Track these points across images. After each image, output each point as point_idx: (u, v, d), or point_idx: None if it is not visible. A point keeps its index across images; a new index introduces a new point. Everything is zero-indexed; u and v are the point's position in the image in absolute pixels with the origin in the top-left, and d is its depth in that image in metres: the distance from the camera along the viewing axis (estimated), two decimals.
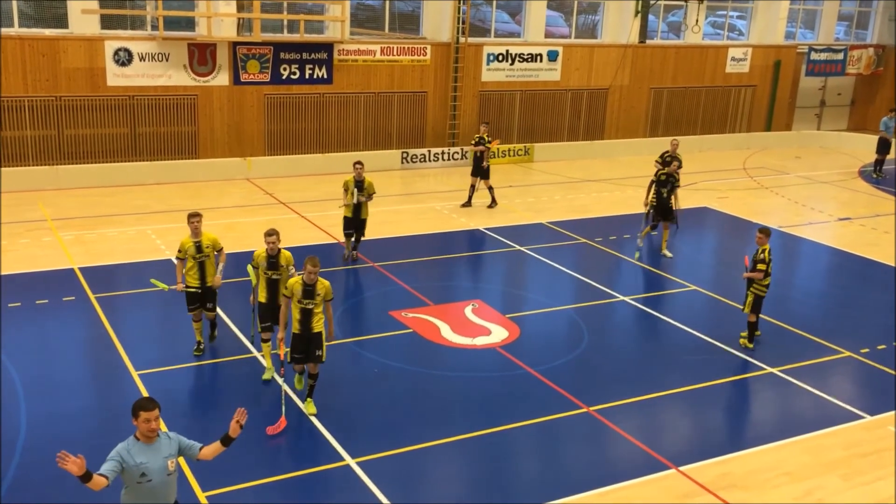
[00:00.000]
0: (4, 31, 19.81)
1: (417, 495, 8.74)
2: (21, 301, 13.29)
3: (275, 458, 9.26)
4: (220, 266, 11.30)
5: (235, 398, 10.60)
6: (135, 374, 11.00)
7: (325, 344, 9.90)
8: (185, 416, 10.20)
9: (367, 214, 15.57)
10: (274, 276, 10.68)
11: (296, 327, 9.79)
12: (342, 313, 13.33)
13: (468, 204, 20.22)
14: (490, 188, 20.19)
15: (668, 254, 16.99)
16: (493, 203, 20.23)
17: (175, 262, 11.32)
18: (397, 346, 12.28)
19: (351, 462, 9.17)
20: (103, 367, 11.38)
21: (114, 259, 15.52)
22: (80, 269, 14.81)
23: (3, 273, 14.50)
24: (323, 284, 9.76)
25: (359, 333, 12.73)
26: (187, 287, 11.20)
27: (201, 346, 11.68)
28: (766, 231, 12.32)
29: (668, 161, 18.02)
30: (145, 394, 10.31)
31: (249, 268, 10.94)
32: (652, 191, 17.28)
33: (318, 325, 9.82)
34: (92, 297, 13.56)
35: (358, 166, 15.26)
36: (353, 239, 15.63)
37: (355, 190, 15.23)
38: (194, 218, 11.05)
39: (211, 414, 10.29)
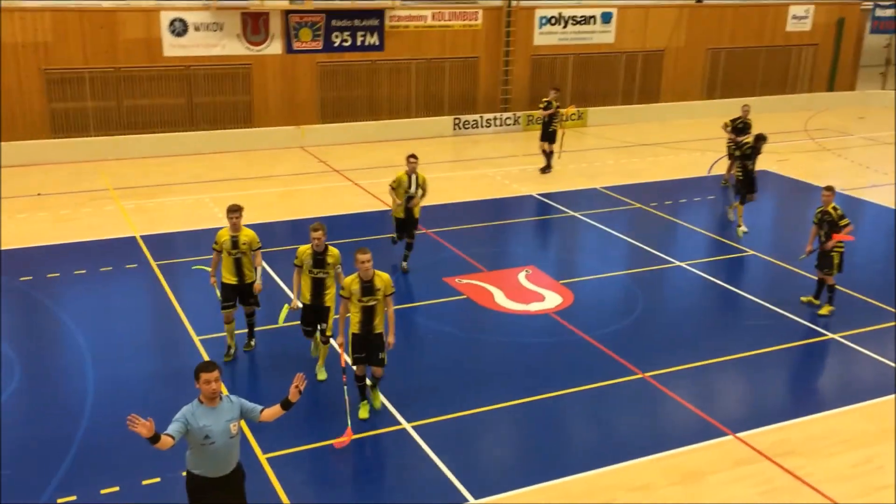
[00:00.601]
0: (64, 3, 20.19)
1: (472, 459, 8.84)
2: (86, 268, 13.68)
3: (332, 423, 9.43)
4: (259, 270, 10.45)
5: (293, 362, 10.80)
6: (196, 339, 11.28)
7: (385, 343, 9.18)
8: (244, 380, 10.45)
9: (419, 214, 13.90)
10: (320, 275, 9.89)
11: (356, 328, 9.05)
12: (396, 280, 13.44)
13: (547, 169, 20.08)
14: (550, 153, 20.00)
15: (745, 229, 15.87)
16: (548, 168, 20.06)
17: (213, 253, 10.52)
18: (451, 313, 12.35)
19: (407, 426, 9.30)
20: (165, 332, 11.70)
21: (173, 227, 15.86)
22: (142, 236, 15.17)
23: (68, 241, 14.95)
24: (381, 279, 8.95)
25: (413, 300, 12.83)
26: (223, 283, 10.47)
27: (232, 351, 10.73)
28: (831, 189, 12.38)
29: (741, 128, 17.32)
30: (206, 358, 10.57)
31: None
32: (736, 164, 16.48)
33: (381, 324, 9.07)
34: (153, 264, 13.90)
35: (412, 160, 13.47)
36: (403, 246, 13.97)
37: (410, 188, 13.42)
38: (233, 214, 10.20)
39: (270, 377, 10.52)
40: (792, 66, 29.69)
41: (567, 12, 25.49)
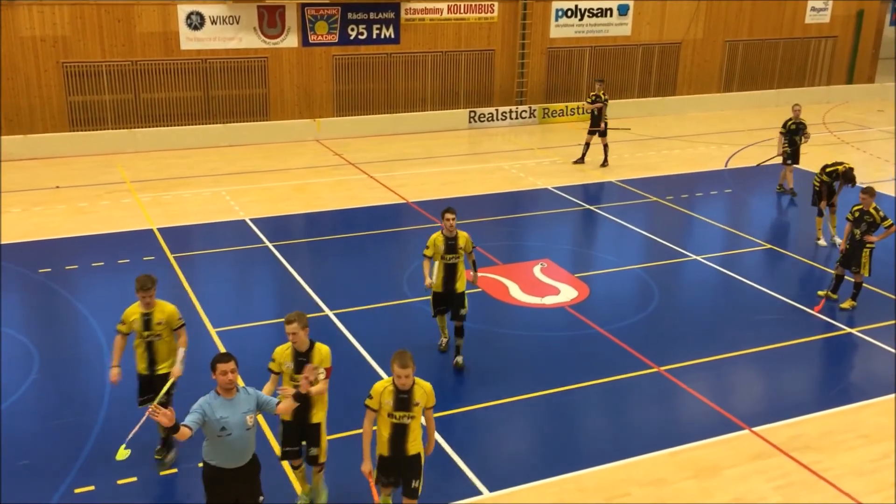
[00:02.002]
0: None
1: (487, 452, 8.86)
2: (104, 261, 13.78)
3: (349, 414, 9.45)
4: (181, 352, 8.26)
5: None
6: (212, 331, 11.34)
7: (422, 466, 7.29)
8: (260, 373, 10.48)
9: (465, 284, 10.38)
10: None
11: (384, 449, 7.14)
12: (412, 272, 13.45)
13: (581, 161, 20.14)
14: (605, 146, 19.97)
15: (837, 240, 14.44)
16: (605, 163, 20.01)
17: (117, 335, 8.36)
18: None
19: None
20: None
21: (190, 220, 15.93)
22: (159, 229, 15.26)
23: (86, 233, 15.06)
24: (423, 389, 7.10)
25: (428, 293, 12.82)
26: (139, 374, 8.40)
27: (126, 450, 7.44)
28: (870, 190, 12.16)
29: (795, 129, 16.89)
30: (222, 350, 10.62)
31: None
32: (817, 181, 14.89)
33: (415, 444, 7.15)
34: (170, 256, 13.98)
35: (449, 217, 10.10)
36: (448, 318, 10.65)
37: (446, 255, 10.21)
38: (144, 292, 8.05)
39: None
40: (811, 59, 29.45)
41: (583, 4, 25.37)
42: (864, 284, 12.44)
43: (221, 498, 6.60)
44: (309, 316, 11.75)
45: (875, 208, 12.11)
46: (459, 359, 10.49)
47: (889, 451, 8.92)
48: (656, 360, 10.69)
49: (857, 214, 12.22)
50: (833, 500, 8.14)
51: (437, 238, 10.21)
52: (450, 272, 10.24)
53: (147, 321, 8.18)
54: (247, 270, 13.79)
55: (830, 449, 8.93)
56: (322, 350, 7.61)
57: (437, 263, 10.30)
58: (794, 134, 17.28)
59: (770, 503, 8.07)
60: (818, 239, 15.07)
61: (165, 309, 8.25)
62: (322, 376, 7.38)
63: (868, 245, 12.14)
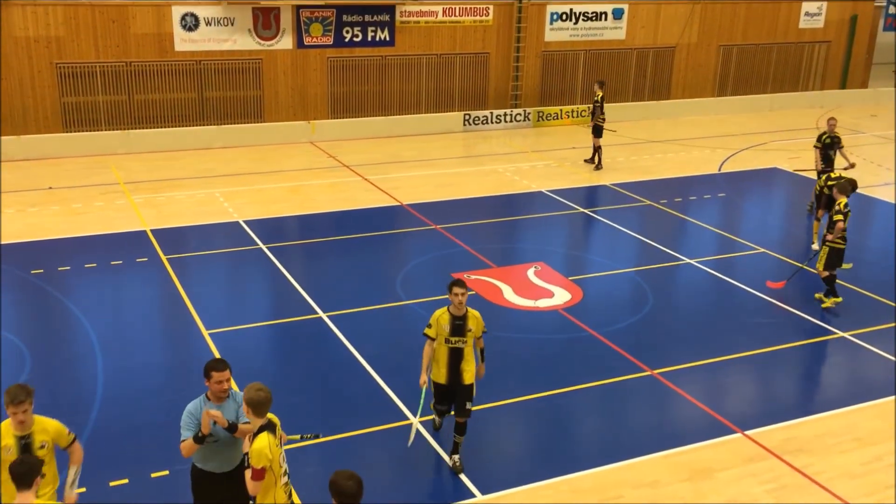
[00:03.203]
0: None
1: (480, 454, 8.83)
2: (97, 262, 13.74)
3: (341, 417, 9.44)
4: (74, 473, 6.59)
5: (302, 357, 10.84)
6: (205, 333, 11.31)
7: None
8: (253, 376, 10.46)
9: (474, 373, 8.56)
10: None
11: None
12: (405, 274, 13.44)
13: (591, 161, 20.41)
14: (597, 148, 20.19)
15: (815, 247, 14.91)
16: (593, 161, 20.31)
17: None
18: None
19: (414, 421, 9.29)
20: (175, 326, 11.73)
21: (183, 221, 15.89)
22: (152, 230, 15.22)
23: (79, 234, 15.02)
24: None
25: (422, 295, 12.82)
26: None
27: None
28: (841, 186, 12.43)
29: (830, 143, 16.22)
30: (215, 352, 10.61)
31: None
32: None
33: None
34: (163, 258, 13.94)
35: (458, 292, 8.26)
36: (448, 414, 8.83)
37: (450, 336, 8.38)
38: (15, 406, 6.13)
39: (279, 372, 10.54)
40: (804, 63, 29.54)
41: (578, 8, 25.42)
42: (852, 287, 12.48)
43: (209, 501, 6.57)
44: (302, 318, 11.81)
45: (839, 202, 12.34)
46: (457, 458, 8.50)
47: (881, 454, 8.94)
48: (650, 364, 10.70)
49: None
50: (825, 502, 8.15)
51: (441, 316, 8.31)
52: (455, 359, 8.29)
53: (26, 445, 6.21)
54: (240, 272, 13.77)
55: (823, 452, 8.95)
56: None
57: (440, 347, 8.32)
58: (829, 148, 16.51)
59: None
60: (813, 243, 15.11)
61: (48, 427, 6.35)
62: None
63: (827, 242, 12.33)
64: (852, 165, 16.31)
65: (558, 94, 25.98)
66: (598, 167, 20.12)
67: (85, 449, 8.46)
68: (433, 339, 8.32)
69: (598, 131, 19.99)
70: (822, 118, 27.09)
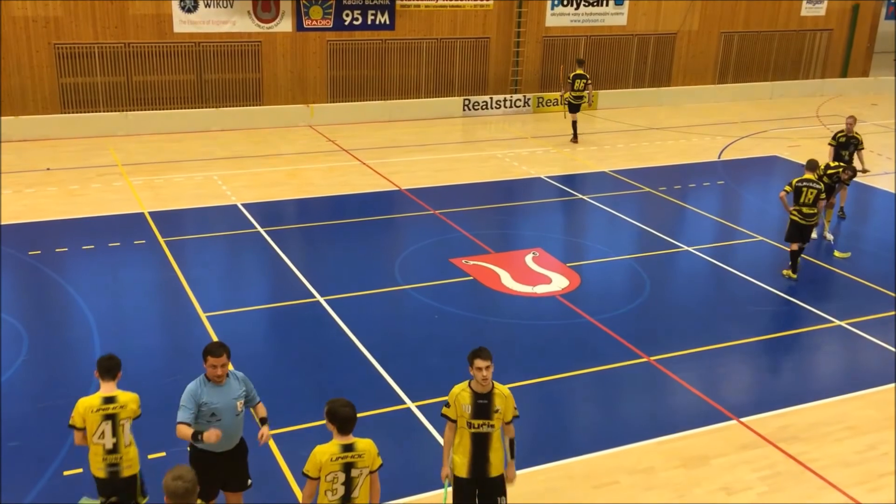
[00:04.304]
0: None
1: None
2: (94, 244, 13.73)
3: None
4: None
5: (300, 340, 10.85)
6: (203, 316, 11.31)
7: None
8: (251, 359, 10.48)
9: (504, 465, 6.85)
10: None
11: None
12: (403, 259, 13.44)
13: (576, 140, 21.21)
14: (573, 122, 21.12)
15: (829, 236, 15.04)
16: (576, 140, 21.10)
17: None
18: (457, 294, 12.35)
19: (411, 405, 9.34)
20: (173, 309, 11.73)
21: (181, 204, 15.87)
22: (150, 213, 15.20)
23: (76, 216, 15.00)
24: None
25: (419, 280, 12.83)
26: None
27: None
28: (808, 163, 13.17)
29: (844, 143, 15.64)
30: (213, 335, 10.62)
31: None
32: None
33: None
34: (161, 240, 13.93)
35: (481, 366, 6.46)
36: None
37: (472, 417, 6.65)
38: None
39: (276, 355, 10.56)
40: (805, 51, 29.46)
41: None
42: (848, 275, 12.51)
43: (209, 481, 6.60)
44: (299, 302, 11.82)
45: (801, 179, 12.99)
46: None
47: (875, 442, 8.98)
48: (646, 350, 10.72)
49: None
50: (819, 490, 8.19)
51: (460, 393, 6.59)
52: (479, 446, 6.61)
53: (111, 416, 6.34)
54: (238, 255, 13.76)
55: (817, 440, 8.99)
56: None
57: (461, 432, 6.65)
58: (842, 147, 15.75)
59: (757, 492, 8.12)
60: (825, 233, 15.05)
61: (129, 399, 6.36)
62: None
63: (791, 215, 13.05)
64: (865, 171, 15.97)
65: (558, 81, 25.86)
66: (574, 140, 20.97)
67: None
68: (454, 422, 6.64)
69: (571, 107, 20.96)
70: (824, 106, 27.06)
